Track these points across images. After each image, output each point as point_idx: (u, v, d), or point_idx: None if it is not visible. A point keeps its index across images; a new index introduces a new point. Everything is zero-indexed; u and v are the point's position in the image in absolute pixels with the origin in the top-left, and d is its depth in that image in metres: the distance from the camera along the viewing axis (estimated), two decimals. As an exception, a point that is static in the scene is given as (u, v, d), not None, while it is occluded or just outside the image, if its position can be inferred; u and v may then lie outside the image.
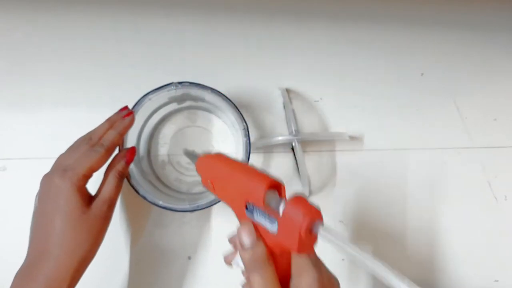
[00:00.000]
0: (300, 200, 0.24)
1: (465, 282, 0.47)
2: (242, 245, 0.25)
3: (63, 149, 0.43)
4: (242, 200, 0.26)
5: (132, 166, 0.38)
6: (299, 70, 0.49)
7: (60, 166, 0.33)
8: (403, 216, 0.47)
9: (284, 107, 0.46)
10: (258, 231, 0.26)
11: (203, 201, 0.38)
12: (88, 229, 0.32)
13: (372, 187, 0.47)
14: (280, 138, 0.44)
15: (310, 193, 0.46)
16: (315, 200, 0.46)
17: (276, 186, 0.25)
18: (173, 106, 0.43)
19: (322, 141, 0.47)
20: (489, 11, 0.54)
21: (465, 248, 0.48)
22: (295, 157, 0.45)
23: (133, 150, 0.36)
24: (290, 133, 0.45)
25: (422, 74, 0.51)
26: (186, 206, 0.37)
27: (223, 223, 0.45)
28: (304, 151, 0.46)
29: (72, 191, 0.31)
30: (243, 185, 0.26)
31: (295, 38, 0.49)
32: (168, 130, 0.45)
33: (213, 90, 0.38)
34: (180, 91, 0.39)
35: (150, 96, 0.37)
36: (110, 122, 0.37)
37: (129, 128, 0.37)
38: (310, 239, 0.23)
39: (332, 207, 0.46)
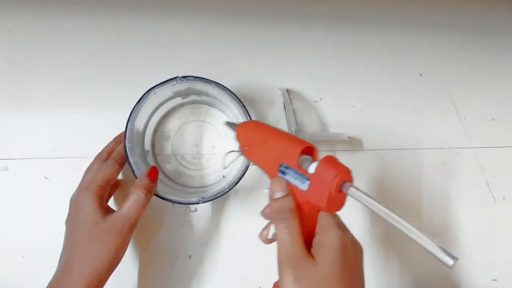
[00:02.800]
0: (331, 160, 0.25)
1: (464, 281, 0.47)
2: (272, 196, 0.27)
3: (63, 149, 0.43)
4: (276, 162, 0.28)
5: (137, 160, 0.38)
6: (299, 71, 0.49)
7: (80, 186, 0.37)
8: (402, 216, 0.47)
9: (284, 107, 0.47)
10: (289, 187, 0.27)
11: (208, 194, 0.38)
12: (100, 241, 0.33)
13: (371, 187, 0.48)
14: None
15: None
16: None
17: (309, 149, 0.27)
18: (177, 101, 0.44)
19: (321, 141, 0.48)
20: (487, 12, 0.55)
21: (464, 248, 0.48)
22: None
23: (154, 170, 0.36)
24: (290, 133, 0.45)
25: (420, 74, 0.51)
26: (191, 198, 0.38)
27: (223, 222, 0.45)
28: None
29: (89, 201, 0.34)
30: (279, 147, 0.28)
31: (295, 39, 0.50)
32: (172, 125, 0.45)
33: (217, 84, 0.38)
34: (184, 85, 0.39)
35: (155, 90, 0.37)
36: (116, 139, 0.41)
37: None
38: (339, 197, 0.25)
39: (331, 207, 0.46)
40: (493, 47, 0.54)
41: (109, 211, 0.35)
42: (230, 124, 0.38)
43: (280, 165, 0.27)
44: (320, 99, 0.49)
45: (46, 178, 0.43)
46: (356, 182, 0.48)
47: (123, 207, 0.34)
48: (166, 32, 0.47)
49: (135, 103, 0.37)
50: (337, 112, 0.49)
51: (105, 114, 0.44)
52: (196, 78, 0.38)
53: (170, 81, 0.38)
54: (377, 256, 0.47)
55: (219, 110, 0.46)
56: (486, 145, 0.51)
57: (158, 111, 0.43)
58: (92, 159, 0.39)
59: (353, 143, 0.48)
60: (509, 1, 0.56)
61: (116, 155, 0.38)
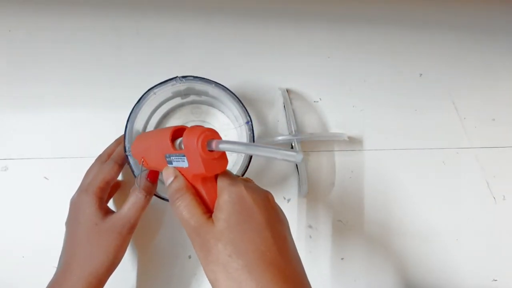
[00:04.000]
0: (192, 129, 0.26)
1: (464, 281, 0.47)
2: (166, 184, 0.29)
3: (63, 149, 0.43)
4: (162, 156, 0.29)
5: (136, 160, 0.38)
6: (299, 71, 0.49)
7: (80, 187, 0.37)
8: (402, 216, 0.47)
9: (284, 107, 0.47)
10: (179, 171, 0.29)
11: None
12: (99, 242, 0.33)
13: (370, 187, 0.48)
14: (279, 138, 0.44)
15: (309, 193, 0.46)
16: (314, 200, 0.46)
17: (180, 131, 0.28)
18: (177, 101, 0.44)
19: (321, 141, 0.48)
20: (487, 12, 0.55)
21: (464, 248, 0.48)
22: (294, 157, 0.45)
23: (155, 172, 0.36)
24: (290, 133, 0.45)
25: (420, 74, 0.51)
26: None
27: (223, 222, 0.45)
28: (303, 151, 0.47)
29: (89, 202, 0.34)
30: (157, 143, 0.30)
31: (295, 39, 0.50)
32: (172, 124, 0.45)
33: (217, 84, 0.38)
34: (184, 85, 0.39)
35: (155, 90, 0.37)
36: (117, 141, 0.40)
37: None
38: (214, 157, 0.26)
39: (331, 207, 0.46)
40: (493, 47, 0.54)
41: (109, 212, 0.35)
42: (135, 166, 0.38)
43: (165, 156, 0.29)
44: (320, 99, 0.49)
45: (46, 178, 0.43)
46: (356, 182, 0.48)
47: (123, 208, 0.34)
48: (166, 32, 0.47)
49: (134, 103, 0.37)
50: (337, 112, 0.49)
51: (105, 114, 0.44)
52: (196, 78, 0.38)
53: (169, 81, 0.37)
54: (377, 256, 0.47)
55: (219, 110, 0.46)
56: (486, 145, 0.51)
57: (158, 111, 0.43)
58: (92, 159, 0.39)
59: (353, 143, 0.48)
60: (509, 1, 0.56)
61: (116, 156, 0.38)
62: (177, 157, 0.28)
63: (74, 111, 0.44)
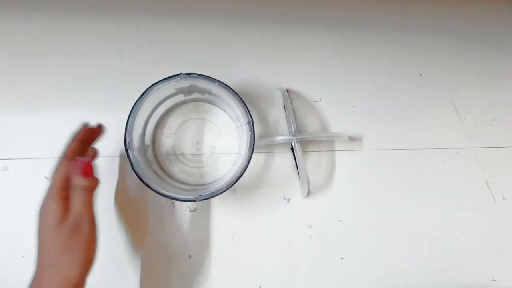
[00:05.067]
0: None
1: (463, 281, 0.47)
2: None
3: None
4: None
5: (137, 155, 0.38)
6: (299, 71, 0.49)
7: (46, 191, 0.36)
8: (402, 216, 0.48)
9: (284, 107, 0.47)
10: None
11: (206, 192, 0.38)
12: (64, 245, 0.32)
13: (371, 187, 0.48)
14: (280, 138, 0.44)
15: (309, 193, 0.46)
16: (314, 200, 0.46)
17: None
18: (180, 98, 0.44)
19: (321, 141, 0.48)
20: (487, 13, 0.55)
21: (463, 248, 0.48)
22: (294, 157, 0.45)
23: (86, 166, 0.35)
24: (290, 133, 0.45)
25: (420, 75, 0.51)
26: (189, 196, 0.37)
27: (223, 221, 0.45)
28: (303, 151, 0.47)
29: (51, 205, 0.34)
30: None
31: (295, 39, 0.50)
32: (173, 121, 0.45)
33: (220, 83, 0.38)
34: (187, 83, 0.39)
35: (158, 86, 0.38)
36: (72, 136, 0.38)
37: (87, 135, 0.37)
38: None
39: (331, 207, 0.47)
40: (493, 48, 0.54)
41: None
42: None
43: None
44: (320, 99, 0.49)
45: (46, 178, 0.43)
46: (356, 182, 0.48)
47: (71, 207, 0.34)
48: (166, 32, 0.47)
49: (140, 94, 0.37)
50: (337, 112, 0.49)
51: (105, 114, 0.44)
52: (200, 75, 0.38)
53: (173, 77, 0.38)
54: (376, 256, 0.47)
55: (221, 109, 0.46)
56: (486, 145, 0.51)
57: (161, 107, 0.43)
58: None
59: (353, 143, 0.48)
60: (509, 1, 0.56)
61: (65, 150, 0.36)
62: None
63: (74, 111, 0.44)
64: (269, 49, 0.49)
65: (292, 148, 0.45)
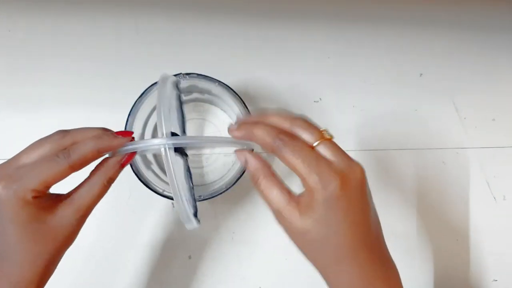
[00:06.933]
0: None
1: (464, 281, 0.47)
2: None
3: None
4: None
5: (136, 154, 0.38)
6: (299, 71, 0.49)
7: (9, 167, 0.25)
8: (401, 216, 0.47)
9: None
10: None
11: (206, 192, 0.38)
12: (52, 237, 0.26)
13: (370, 187, 0.48)
14: (146, 144, 0.43)
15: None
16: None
17: None
18: None
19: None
20: (487, 12, 0.55)
21: (464, 248, 0.48)
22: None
23: (132, 156, 0.29)
24: (162, 135, 0.44)
25: (421, 74, 0.51)
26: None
27: (223, 222, 0.45)
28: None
29: (17, 207, 0.24)
30: None
31: (295, 39, 0.50)
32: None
33: (220, 83, 0.38)
34: (187, 83, 0.39)
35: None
36: (101, 131, 0.28)
37: (113, 150, 0.28)
38: None
39: (331, 207, 0.46)
40: (493, 47, 0.54)
41: (52, 202, 0.27)
42: None
43: None
44: (320, 99, 0.49)
45: (46, 178, 0.43)
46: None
47: (79, 194, 0.28)
48: (166, 32, 0.47)
49: (139, 95, 0.37)
50: (337, 112, 0.49)
51: (105, 114, 0.44)
52: (200, 75, 0.38)
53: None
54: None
55: (221, 109, 0.46)
56: (486, 145, 0.51)
57: None
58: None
59: (353, 143, 0.48)
60: (510, 1, 0.56)
61: (76, 156, 0.26)
62: None
63: (74, 111, 0.44)
64: (269, 49, 0.49)
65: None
